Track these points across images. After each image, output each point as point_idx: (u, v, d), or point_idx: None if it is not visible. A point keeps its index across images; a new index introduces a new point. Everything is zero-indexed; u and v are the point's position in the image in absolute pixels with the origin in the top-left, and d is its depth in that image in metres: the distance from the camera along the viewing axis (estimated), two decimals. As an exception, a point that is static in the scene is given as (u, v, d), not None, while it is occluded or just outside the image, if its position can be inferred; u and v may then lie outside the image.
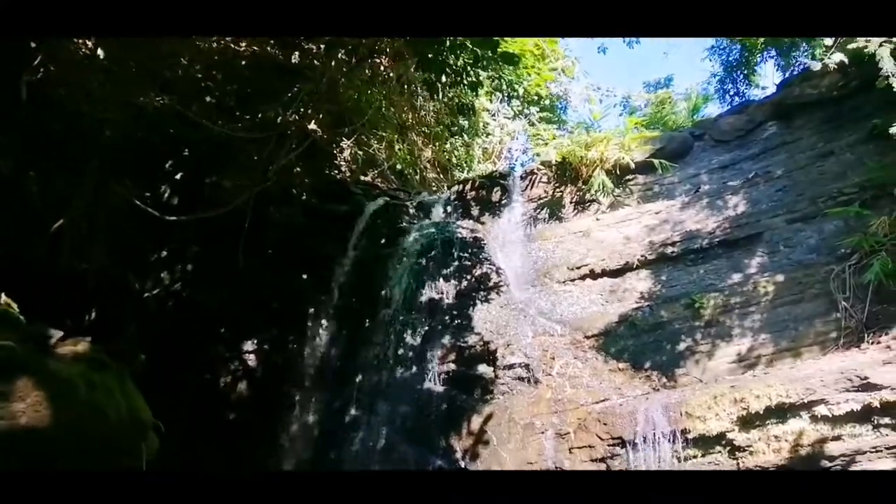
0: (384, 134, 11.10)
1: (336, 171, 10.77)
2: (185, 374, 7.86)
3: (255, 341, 8.39)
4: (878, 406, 5.47)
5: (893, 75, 5.72)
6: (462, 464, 7.14)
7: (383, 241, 9.09)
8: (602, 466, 6.52)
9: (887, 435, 5.46)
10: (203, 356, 8.20)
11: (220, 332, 8.46)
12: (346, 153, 11.34)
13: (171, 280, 8.51)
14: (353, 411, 7.77)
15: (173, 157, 8.50)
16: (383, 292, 8.33)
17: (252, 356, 8.30)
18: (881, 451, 5.46)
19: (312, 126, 8.19)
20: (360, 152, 11.38)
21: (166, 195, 8.43)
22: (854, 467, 5.53)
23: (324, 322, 8.40)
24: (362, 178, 11.38)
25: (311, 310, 8.49)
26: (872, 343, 6.27)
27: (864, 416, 5.55)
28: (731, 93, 12.77)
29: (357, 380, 7.95)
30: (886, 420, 5.47)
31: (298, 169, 9.17)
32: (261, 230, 8.37)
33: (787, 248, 7.61)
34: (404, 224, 9.48)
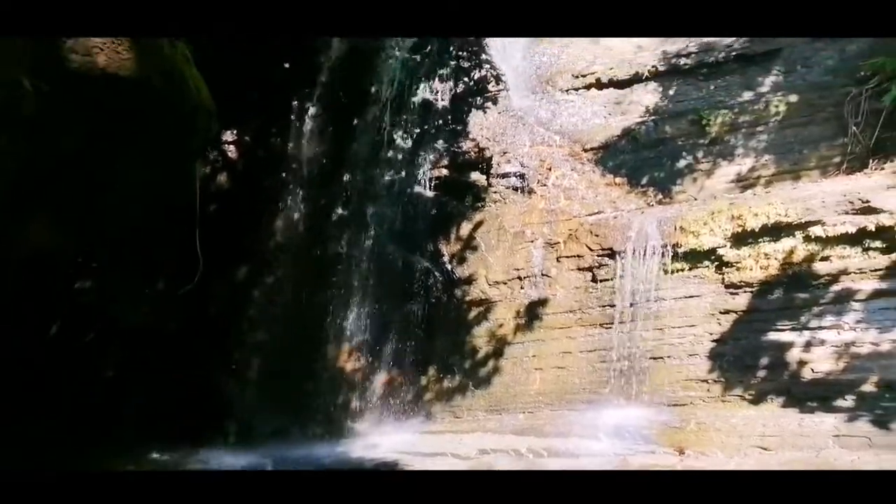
0: None
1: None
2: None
3: (235, 132, 7.88)
4: (873, 229, 5.54)
5: None
6: (449, 267, 7.20)
7: (373, 31, 8.29)
8: (588, 275, 6.65)
9: (875, 258, 5.58)
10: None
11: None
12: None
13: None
14: (339, 210, 7.60)
15: None
16: (373, 88, 7.76)
17: (232, 147, 7.84)
18: (865, 272, 5.61)
19: None
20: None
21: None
22: (835, 286, 5.72)
23: (308, 116, 7.87)
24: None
25: (295, 102, 7.91)
26: (877, 169, 6.20)
27: (856, 238, 5.63)
28: None
29: (344, 179, 7.67)
30: (877, 244, 5.58)
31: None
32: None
33: (804, 68, 7.22)
34: (396, 15, 8.62)
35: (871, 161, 6.38)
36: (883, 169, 6.18)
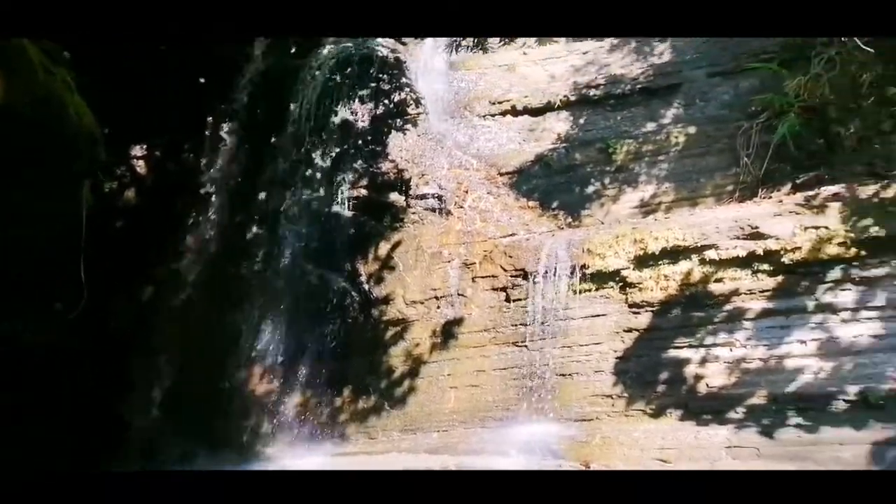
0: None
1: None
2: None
3: (145, 147, 7.65)
4: (762, 253, 5.94)
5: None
6: (366, 286, 7.20)
7: (294, 49, 8.28)
8: (502, 295, 6.82)
9: (763, 280, 5.99)
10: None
11: (104, 133, 7.60)
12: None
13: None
14: (255, 229, 7.48)
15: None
16: (292, 107, 7.73)
17: (141, 162, 7.60)
18: (755, 292, 6.01)
19: None
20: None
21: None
22: (728, 306, 6.10)
23: (224, 133, 7.75)
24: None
25: (210, 118, 7.78)
26: (765, 198, 6.69)
27: (746, 261, 6.03)
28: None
29: (260, 198, 7.57)
30: (765, 266, 5.98)
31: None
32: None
33: (702, 102, 7.74)
34: (318, 35, 8.65)
35: (760, 190, 6.89)
36: (770, 198, 6.67)
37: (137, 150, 7.56)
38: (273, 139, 7.66)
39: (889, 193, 5.88)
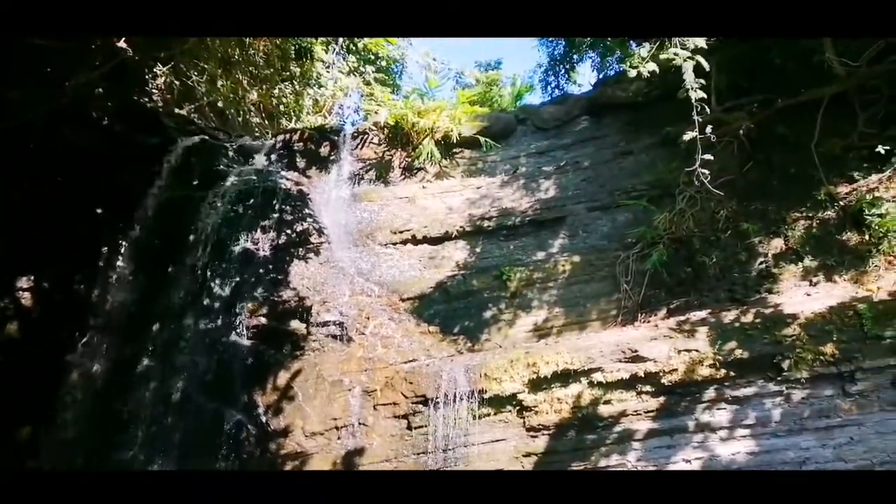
0: (206, 66, 10.23)
1: (147, 99, 9.73)
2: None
3: (32, 278, 7.36)
4: (643, 375, 6.33)
5: (692, 88, 6.50)
6: (263, 419, 6.99)
7: (196, 181, 8.43)
8: (404, 423, 6.80)
9: (647, 401, 6.35)
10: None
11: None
12: (161, 80, 10.28)
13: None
14: (146, 361, 7.20)
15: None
16: (192, 237, 7.76)
17: (27, 294, 7.28)
18: (640, 413, 6.34)
19: (122, 44, 7.29)
20: (177, 82, 10.38)
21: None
22: (617, 428, 6.38)
23: (120, 263, 7.61)
24: (177, 110, 10.40)
25: (105, 248, 7.64)
26: (644, 322, 7.22)
27: (630, 383, 6.39)
28: (553, 84, 13.70)
29: (154, 328, 7.36)
30: (647, 388, 6.35)
31: (101, 90, 8.14)
32: (52, 153, 7.31)
33: (584, 233, 8.45)
34: (222, 167, 8.87)
35: (639, 314, 7.45)
36: (649, 321, 7.22)
37: (24, 282, 7.26)
38: (170, 269, 7.58)
39: (748, 318, 6.53)
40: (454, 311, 8.01)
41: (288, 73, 11.04)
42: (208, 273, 7.55)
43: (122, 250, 7.60)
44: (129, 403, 6.89)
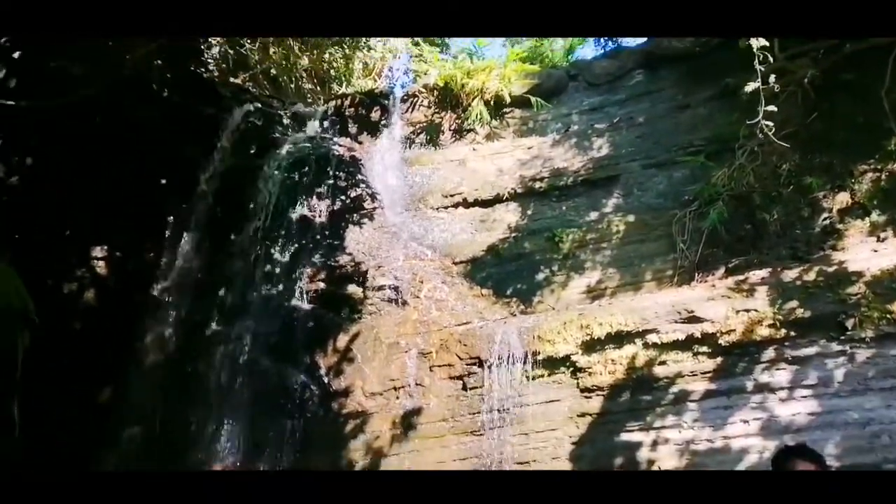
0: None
1: (203, 70, 9.95)
2: (24, 277, 7.16)
3: (106, 247, 7.79)
4: (699, 336, 6.26)
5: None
6: (325, 380, 7.28)
7: (253, 150, 8.65)
8: (459, 384, 6.97)
9: (703, 361, 6.29)
10: (44, 259, 7.48)
11: (65, 235, 7.75)
12: (215, 50, 10.48)
13: (7, 173, 7.56)
14: (214, 325, 7.57)
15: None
16: (251, 205, 8.02)
17: (101, 263, 7.71)
18: (697, 374, 6.29)
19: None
20: (231, 51, 10.56)
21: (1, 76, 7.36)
22: (673, 389, 6.36)
23: (185, 231, 7.95)
24: (232, 80, 10.61)
25: (171, 218, 7.99)
26: (700, 282, 7.10)
27: (686, 344, 6.32)
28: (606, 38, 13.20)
29: (220, 293, 7.71)
30: (704, 349, 6.27)
31: (159, 62, 8.37)
32: (114, 126, 7.62)
33: (639, 192, 8.28)
34: (277, 135, 9.06)
35: (696, 274, 7.31)
36: (706, 282, 7.08)
37: (98, 251, 7.69)
38: (233, 236, 7.88)
39: (811, 276, 6.33)
40: (506, 273, 8.04)
41: (337, 37, 11.05)
42: (268, 240, 7.80)
43: (187, 219, 7.92)
44: (200, 366, 7.28)
